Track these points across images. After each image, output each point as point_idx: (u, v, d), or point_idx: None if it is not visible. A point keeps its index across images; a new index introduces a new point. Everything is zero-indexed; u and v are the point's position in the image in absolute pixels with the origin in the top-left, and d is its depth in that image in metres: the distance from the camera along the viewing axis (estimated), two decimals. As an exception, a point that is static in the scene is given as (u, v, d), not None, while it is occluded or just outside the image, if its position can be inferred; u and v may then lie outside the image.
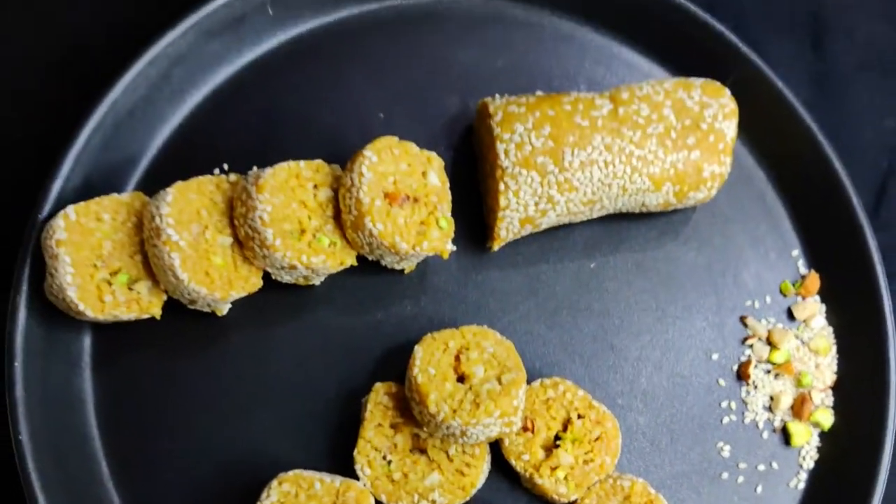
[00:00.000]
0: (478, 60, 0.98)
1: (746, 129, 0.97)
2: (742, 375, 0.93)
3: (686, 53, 0.99)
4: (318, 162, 0.87)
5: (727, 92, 0.92)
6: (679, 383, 0.92)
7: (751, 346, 0.93)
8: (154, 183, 0.89)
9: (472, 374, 0.82)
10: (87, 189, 0.87)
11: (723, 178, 0.91)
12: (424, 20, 0.98)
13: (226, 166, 0.92)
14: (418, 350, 0.83)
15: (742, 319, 0.94)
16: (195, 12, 0.91)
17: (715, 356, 0.93)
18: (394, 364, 0.87)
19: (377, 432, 0.83)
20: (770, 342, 0.93)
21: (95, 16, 0.99)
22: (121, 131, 0.90)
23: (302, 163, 0.85)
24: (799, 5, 1.08)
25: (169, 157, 0.92)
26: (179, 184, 0.83)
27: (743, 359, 0.93)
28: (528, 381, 0.86)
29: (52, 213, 0.83)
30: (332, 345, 0.89)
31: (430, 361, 0.82)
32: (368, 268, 0.89)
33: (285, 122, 0.94)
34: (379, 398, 0.84)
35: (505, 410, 0.80)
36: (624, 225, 0.96)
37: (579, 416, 0.85)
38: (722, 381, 0.93)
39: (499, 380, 0.82)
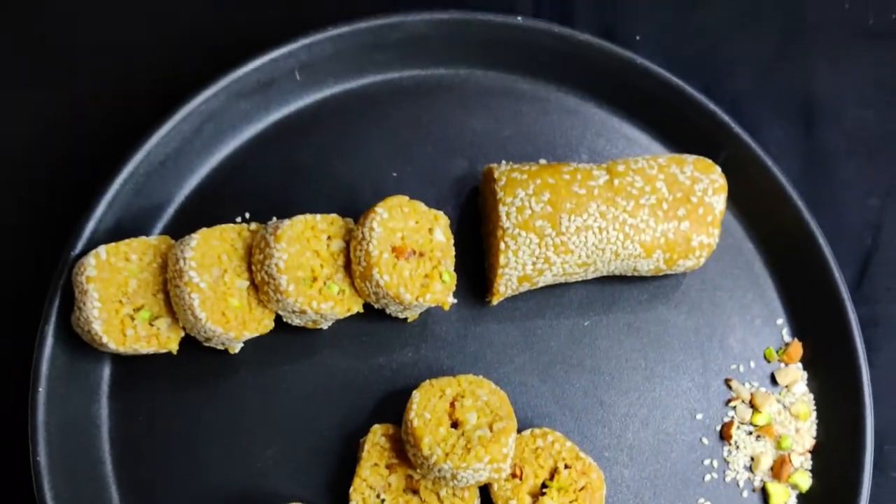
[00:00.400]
0: (488, 129, 1.05)
1: (737, 204, 1.03)
2: (724, 435, 0.97)
3: (682, 130, 1.05)
4: (333, 216, 0.93)
5: (718, 169, 0.98)
6: (664, 440, 0.96)
7: (734, 407, 0.98)
8: (180, 228, 0.96)
9: (465, 420, 0.87)
10: (117, 230, 0.94)
11: (711, 248, 0.97)
12: (441, 90, 1.05)
13: (247, 215, 0.99)
14: (416, 395, 0.88)
15: (727, 382, 0.99)
16: (228, 75, 0.99)
17: (699, 416, 0.98)
18: (392, 407, 0.93)
19: (373, 471, 0.88)
20: (753, 405, 0.98)
21: (140, 70, 1.07)
22: (152, 179, 0.97)
23: (318, 216, 0.92)
24: (793, 91, 1.14)
25: (195, 205, 0.99)
26: (204, 230, 0.89)
27: (726, 419, 0.98)
28: (519, 431, 0.91)
29: (84, 252, 0.90)
30: (335, 386, 0.95)
31: (426, 406, 0.87)
32: (374, 315, 0.95)
33: (305, 178, 1.01)
34: (376, 439, 0.89)
35: (494, 456, 0.84)
36: (617, 287, 1.01)
37: (566, 466, 0.89)
38: (705, 440, 0.97)
39: (490, 427, 0.86)
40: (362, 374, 0.95)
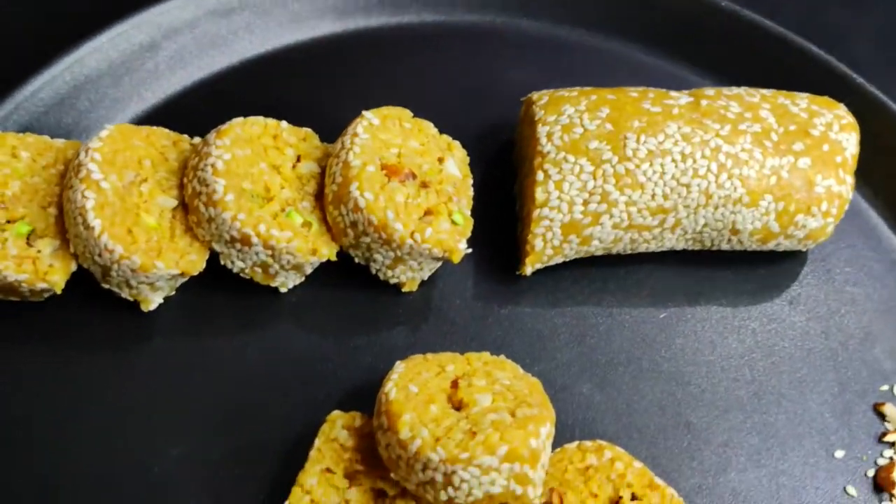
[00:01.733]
0: (530, 80, 0.82)
1: (874, 177, 0.77)
2: (882, 484, 0.63)
3: (780, 83, 0.79)
4: (307, 130, 0.68)
5: (843, 106, 0.71)
6: (786, 486, 0.64)
7: (892, 444, 0.64)
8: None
9: (472, 401, 0.55)
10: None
11: (843, 201, 0.68)
12: (472, 37, 0.84)
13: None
14: (399, 365, 0.58)
15: (876, 408, 0.66)
16: (203, -14, 0.79)
17: (839, 453, 0.65)
18: (367, 401, 0.61)
19: (323, 480, 0.56)
20: (923, 442, 0.64)
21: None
22: (83, 93, 0.75)
23: (284, 123, 0.67)
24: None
25: (136, 133, 0.75)
26: (123, 125, 0.65)
27: (881, 461, 0.64)
28: (562, 443, 0.58)
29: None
30: (286, 370, 0.65)
31: (413, 379, 0.56)
32: (356, 279, 0.68)
33: (289, 117, 0.77)
34: (334, 432, 0.57)
35: (516, 450, 0.52)
36: (707, 270, 0.72)
37: (634, 498, 0.56)
38: (852, 490, 0.64)
39: (513, 414, 0.55)
40: (330, 358, 0.65)
